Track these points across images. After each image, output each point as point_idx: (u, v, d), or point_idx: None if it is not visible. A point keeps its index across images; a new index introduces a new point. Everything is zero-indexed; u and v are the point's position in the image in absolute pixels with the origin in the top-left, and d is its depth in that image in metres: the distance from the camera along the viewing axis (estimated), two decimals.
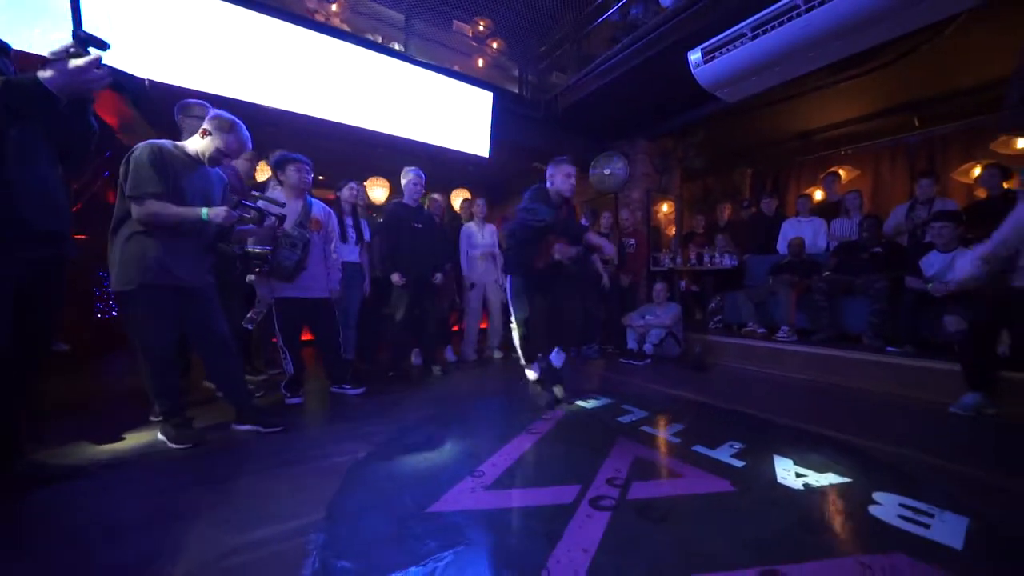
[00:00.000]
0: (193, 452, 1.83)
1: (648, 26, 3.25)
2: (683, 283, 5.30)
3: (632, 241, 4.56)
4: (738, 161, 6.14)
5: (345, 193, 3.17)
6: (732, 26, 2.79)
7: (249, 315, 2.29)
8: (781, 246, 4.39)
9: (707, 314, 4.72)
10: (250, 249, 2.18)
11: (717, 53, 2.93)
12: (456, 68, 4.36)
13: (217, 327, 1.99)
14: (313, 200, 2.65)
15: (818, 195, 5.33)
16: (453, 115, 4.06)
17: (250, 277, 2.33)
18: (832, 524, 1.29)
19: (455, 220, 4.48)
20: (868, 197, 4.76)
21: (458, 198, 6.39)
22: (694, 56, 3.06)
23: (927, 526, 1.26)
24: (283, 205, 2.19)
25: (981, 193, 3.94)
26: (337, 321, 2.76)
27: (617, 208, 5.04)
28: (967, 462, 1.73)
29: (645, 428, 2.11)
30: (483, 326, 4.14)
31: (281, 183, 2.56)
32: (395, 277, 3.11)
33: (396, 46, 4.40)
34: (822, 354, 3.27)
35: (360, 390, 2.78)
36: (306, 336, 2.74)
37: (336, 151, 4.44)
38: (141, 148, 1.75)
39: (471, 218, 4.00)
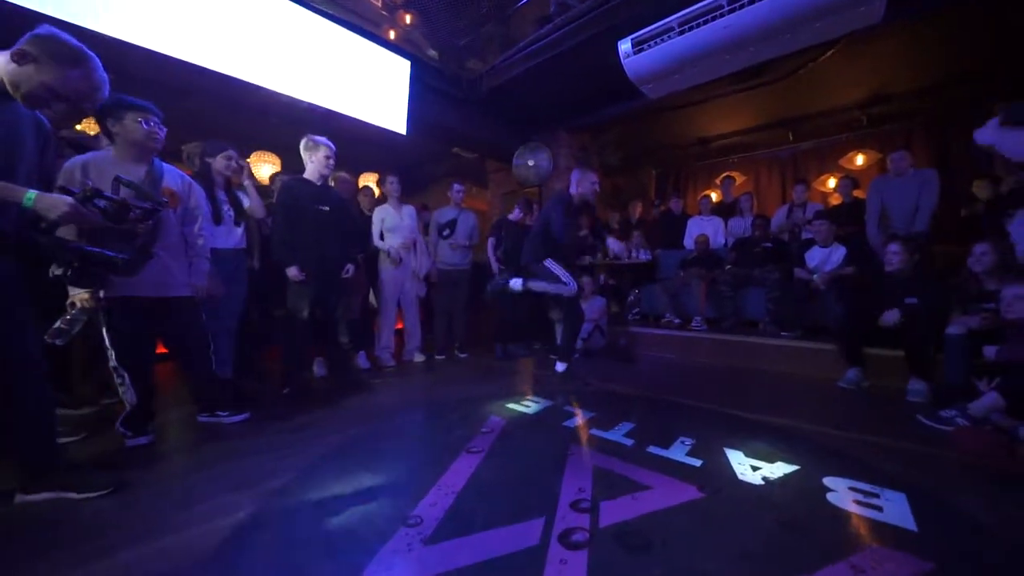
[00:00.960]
0: None
1: (581, 8, 3.13)
2: (602, 277, 5.45)
3: None
4: (645, 161, 6.53)
5: (220, 163, 2.44)
6: (662, 19, 2.80)
7: (57, 325, 1.54)
8: (688, 242, 4.72)
9: (626, 306, 4.90)
10: (92, 250, 1.40)
11: (647, 45, 2.93)
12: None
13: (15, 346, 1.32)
14: (165, 166, 1.97)
15: (714, 196, 5.91)
16: (365, 83, 3.49)
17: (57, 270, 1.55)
18: (805, 520, 1.25)
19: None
20: (754, 199, 5.39)
21: (366, 182, 5.72)
22: (624, 46, 3.03)
23: (880, 508, 1.29)
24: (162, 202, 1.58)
25: (836, 199, 4.71)
26: (205, 327, 2.10)
27: (542, 201, 4.95)
28: (874, 431, 1.91)
29: (595, 432, 1.96)
30: (398, 326, 3.67)
31: (112, 138, 1.82)
32: (292, 271, 2.52)
33: None
34: (730, 340, 3.54)
35: (242, 416, 2.17)
36: (160, 349, 2.05)
37: (209, 112, 3.53)
38: None
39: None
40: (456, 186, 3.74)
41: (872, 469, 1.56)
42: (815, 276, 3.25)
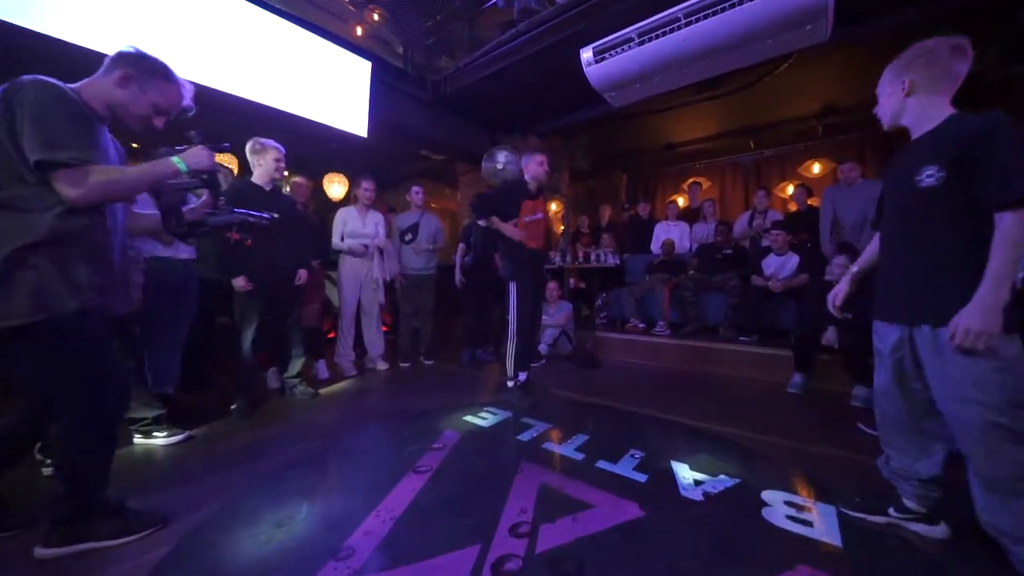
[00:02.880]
0: None
1: (541, 15, 3.11)
2: (572, 281, 5.48)
3: None
4: (616, 166, 6.60)
5: None
6: (623, 29, 2.81)
7: None
8: (655, 246, 4.79)
9: (594, 310, 4.94)
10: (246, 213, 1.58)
11: (607, 55, 2.94)
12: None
13: None
14: None
15: (680, 201, 6.03)
16: (325, 84, 3.36)
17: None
18: (737, 540, 1.26)
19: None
20: (718, 205, 5.54)
21: (332, 183, 5.55)
22: (586, 54, 3.03)
23: (810, 523, 1.32)
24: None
25: (793, 206, 4.88)
26: (137, 341, 1.98)
27: None
28: (816, 440, 1.97)
29: (548, 446, 1.95)
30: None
31: None
32: (238, 282, 2.40)
33: None
34: (691, 345, 3.61)
35: (179, 437, 2.06)
36: None
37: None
38: (34, 86, 1.04)
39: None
40: (415, 188, 3.66)
41: (809, 480, 1.60)
42: (770, 283, 3.35)
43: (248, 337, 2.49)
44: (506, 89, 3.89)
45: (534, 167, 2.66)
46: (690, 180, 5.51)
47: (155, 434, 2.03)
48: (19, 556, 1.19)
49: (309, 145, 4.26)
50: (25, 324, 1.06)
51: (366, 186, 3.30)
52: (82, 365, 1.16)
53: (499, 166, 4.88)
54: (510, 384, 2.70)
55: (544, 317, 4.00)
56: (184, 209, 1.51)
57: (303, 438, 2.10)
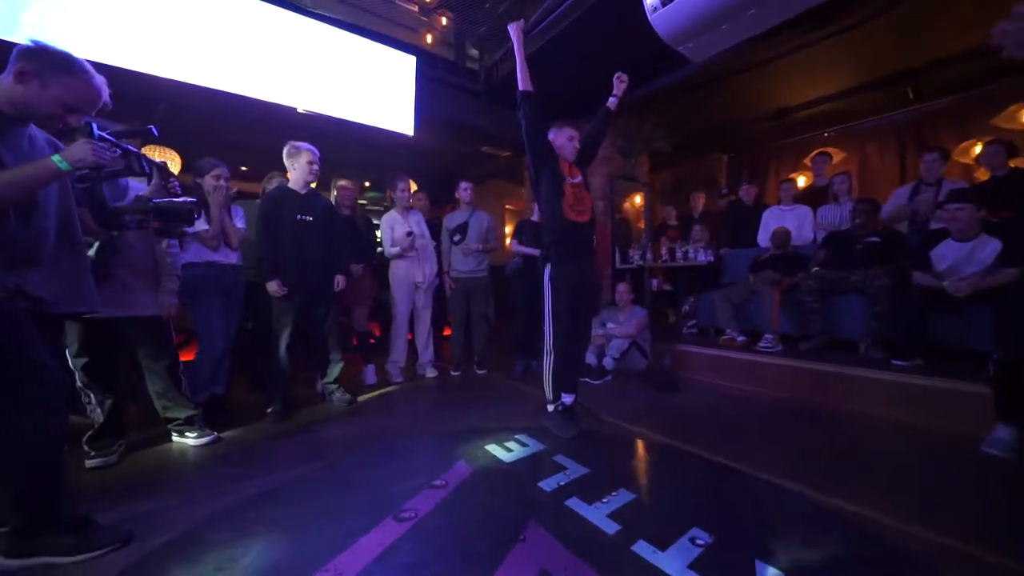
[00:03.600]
0: None
1: None
2: (655, 281, 4.71)
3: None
4: (710, 145, 5.57)
5: (209, 181, 2.33)
6: None
7: None
8: (763, 238, 3.81)
9: (680, 317, 4.13)
10: (161, 201, 1.53)
11: None
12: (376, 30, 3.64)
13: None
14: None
15: (801, 181, 4.79)
16: (369, 85, 3.33)
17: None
18: None
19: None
20: (854, 180, 4.23)
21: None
22: None
23: None
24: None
25: (983, 175, 3.42)
26: (173, 347, 2.03)
27: None
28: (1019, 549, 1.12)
29: (573, 503, 1.44)
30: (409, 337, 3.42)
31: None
32: (271, 286, 2.39)
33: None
34: (811, 369, 2.67)
35: (208, 438, 2.06)
36: None
37: (205, 124, 3.65)
38: None
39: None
40: (463, 184, 3.40)
41: None
42: (946, 283, 2.28)
43: (283, 341, 2.47)
44: (562, 64, 3.41)
45: (563, 140, 2.16)
46: (814, 152, 4.29)
47: (187, 434, 2.06)
48: None
49: (369, 150, 4.34)
50: None
51: (402, 187, 3.14)
52: None
53: None
54: (550, 408, 2.23)
55: (611, 325, 3.41)
56: (135, 195, 1.43)
57: (313, 455, 1.94)
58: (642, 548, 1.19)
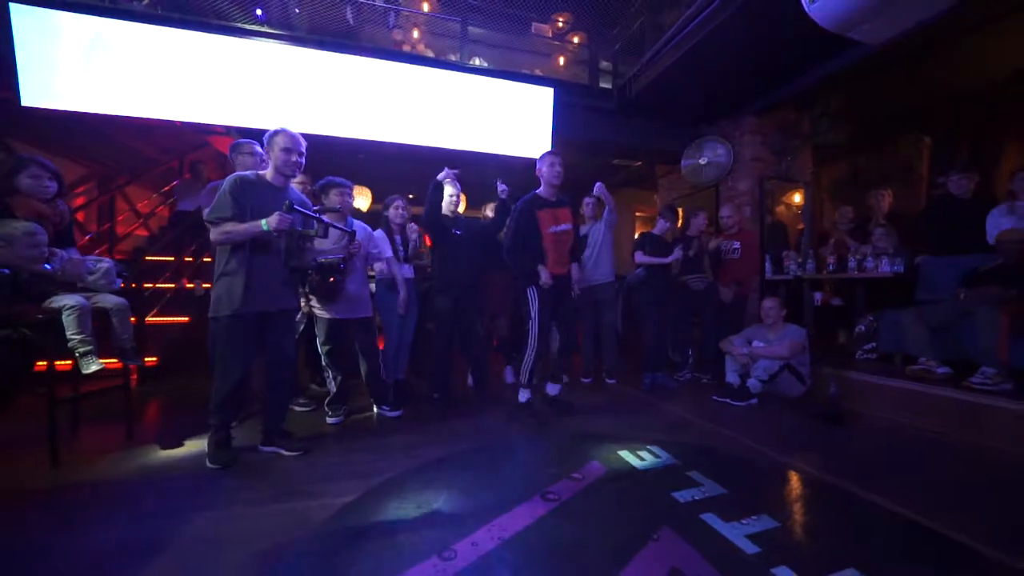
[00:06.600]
0: (216, 472, 1.88)
1: None
2: (818, 296, 4.05)
3: (736, 244, 3.64)
4: (904, 128, 4.51)
5: (391, 212, 3.00)
6: None
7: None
8: (990, 241, 2.96)
9: (854, 339, 3.49)
10: (323, 260, 2.31)
11: None
12: (523, 71, 4.11)
13: (287, 347, 2.16)
14: (354, 221, 2.66)
15: None
16: (511, 119, 3.79)
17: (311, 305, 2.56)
18: None
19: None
20: None
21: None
22: None
23: None
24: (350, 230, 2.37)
25: None
26: (375, 341, 2.72)
27: (718, 204, 4.13)
28: None
29: (709, 518, 1.47)
30: None
31: (324, 207, 2.60)
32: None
33: (477, 61, 4.30)
34: None
35: (397, 412, 2.70)
36: None
37: (380, 168, 4.61)
38: (228, 179, 1.97)
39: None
40: (587, 200, 3.54)
41: None
42: None
43: (440, 337, 3.00)
44: (702, 69, 3.30)
45: (544, 169, 2.43)
46: None
47: (383, 407, 2.73)
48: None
49: (507, 174, 4.84)
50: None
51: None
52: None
53: (702, 161, 4.20)
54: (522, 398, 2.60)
55: (758, 343, 3.12)
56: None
57: (469, 436, 2.35)
58: (784, 573, 1.18)
